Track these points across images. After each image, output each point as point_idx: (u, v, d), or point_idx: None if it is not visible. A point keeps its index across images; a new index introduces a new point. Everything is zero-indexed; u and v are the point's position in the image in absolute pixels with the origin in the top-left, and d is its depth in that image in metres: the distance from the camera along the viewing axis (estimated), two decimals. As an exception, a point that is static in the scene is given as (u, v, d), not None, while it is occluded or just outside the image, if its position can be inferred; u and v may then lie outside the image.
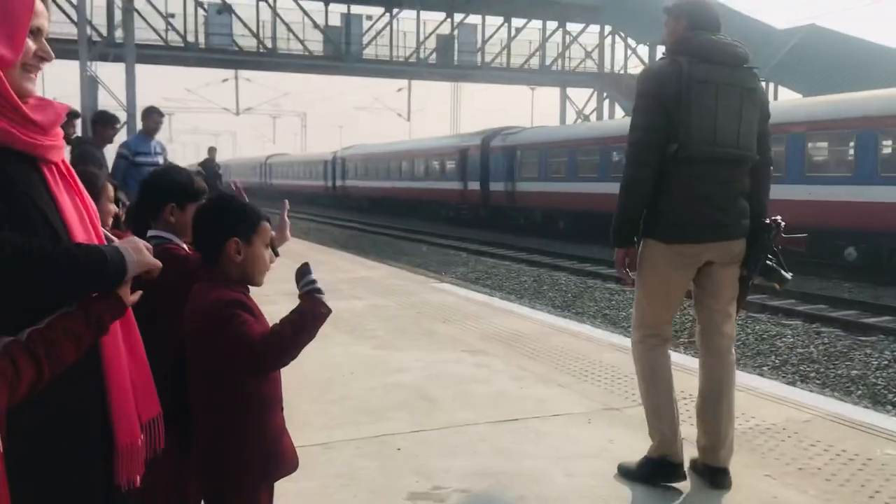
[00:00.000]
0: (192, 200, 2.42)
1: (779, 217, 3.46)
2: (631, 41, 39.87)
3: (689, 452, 3.49)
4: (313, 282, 2.04)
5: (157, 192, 2.51)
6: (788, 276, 3.46)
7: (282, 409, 2.16)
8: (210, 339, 1.97)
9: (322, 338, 6.17)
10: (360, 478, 3.43)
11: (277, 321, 2.00)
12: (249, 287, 2.13)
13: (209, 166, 16.43)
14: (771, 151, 3.52)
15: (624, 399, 4.57)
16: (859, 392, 7.72)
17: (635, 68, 39.15)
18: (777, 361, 9.12)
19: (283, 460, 2.12)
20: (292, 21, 33.91)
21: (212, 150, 17.51)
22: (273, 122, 77.50)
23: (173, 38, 31.86)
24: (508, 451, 3.75)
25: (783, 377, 8.17)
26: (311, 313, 2.00)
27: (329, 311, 2.04)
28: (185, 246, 2.43)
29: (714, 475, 3.35)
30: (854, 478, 3.42)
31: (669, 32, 3.44)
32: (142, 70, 25.35)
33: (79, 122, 6.43)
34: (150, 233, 2.47)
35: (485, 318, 7.12)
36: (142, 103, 8.18)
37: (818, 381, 8.10)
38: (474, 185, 30.61)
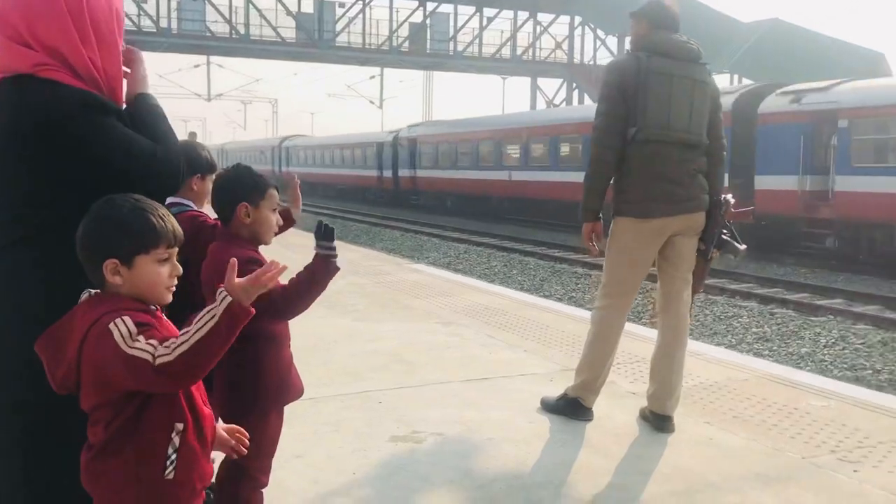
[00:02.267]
0: (212, 172, 2.82)
1: (729, 195, 3.94)
2: (600, 32, 40.47)
3: (640, 404, 3.99)
4: (332, 248, 2.39)
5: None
6: (742, 247, 3.94)
7: (289, 345, 2.56)
8: None
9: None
10: (347, 425, 3.85)
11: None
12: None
13: None
14: (724, 138, 3.98)
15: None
16: (808, 367, 8.25)
17: (604, 59, 39.73)
18: (733, 340, 9.65)
19: (291, 387, 2.54)
20: (265, 7, 34.02)
21: (192, 135, 17.92)
22: (244, 109, 77.12)
23: (146, 24, 31.81)
24: (478, 403, 4.19)
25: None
26: (323, 271, 2.37)
27: (338, 269, 2.40)
28: (206, 213, 2.82)
29: (660, 421, 3.82)
30: (780, 423, 3.91)
31: (634, 32, 3.94)
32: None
33: None
34: (169, 200, 2.86)
35: (457, 294, 7.55)
36: None
37: (771, 358, 8.61)
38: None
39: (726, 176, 4.06)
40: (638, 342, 5.30)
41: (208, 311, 1.60)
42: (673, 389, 3.84)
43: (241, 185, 2.49)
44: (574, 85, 40.08)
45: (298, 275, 2.38)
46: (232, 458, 2.19)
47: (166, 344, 1.58)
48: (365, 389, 4.41)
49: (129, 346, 1.57)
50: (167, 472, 1.69)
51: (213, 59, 44.35)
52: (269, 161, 52.91)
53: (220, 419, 2.62)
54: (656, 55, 3.72)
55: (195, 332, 1.58)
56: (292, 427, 3.77)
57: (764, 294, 12.29)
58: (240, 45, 34.22)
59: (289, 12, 34.67)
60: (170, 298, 1.77)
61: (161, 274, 1.72)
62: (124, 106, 2.01)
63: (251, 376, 2.43)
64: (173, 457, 1.69)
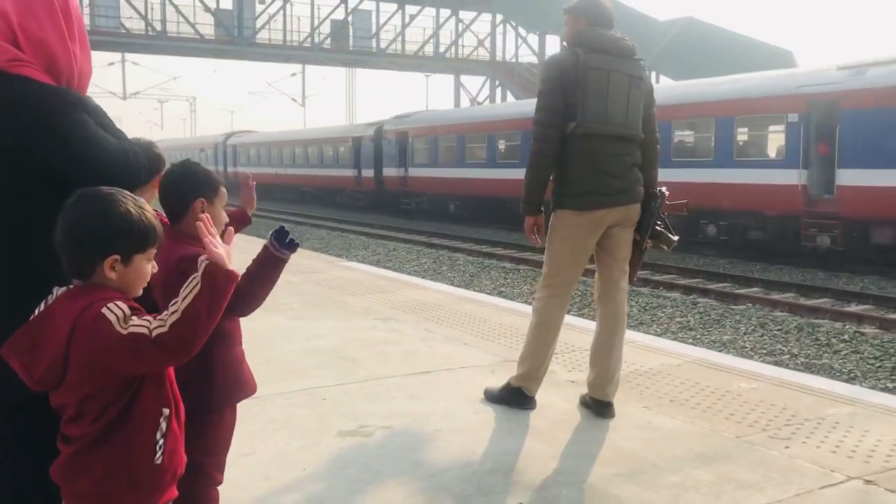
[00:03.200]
0: (157, 172, 2.77)
1: (664, 188, 4.08)
2: (521, 30, 40.96)
3: (580, 391, 4.11)
4: (287, 257, 2.37)
5: None
6: (675, 238, 4.10)
7: (241, 342, 2.55)
8: (178, 287, 2.33)
9: (236, 311, 6.26)
10: (294, 422, 3.84)
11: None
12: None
13: None
14: (657, 132, 4.12)
15: (523, 353, 5.12)
16: (731, 354, 8.57)
17: (526, 57, 40.30)
18: (658, 330, 9.93)
19: (244, 384, 2.53)
20: (182, 3, 33.23)
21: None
22: (161, 107, 75.19)
23: (56, 19, 30.66)
24: (423, 396, 4.24)
25: (664, 343, 8.96)
26: (271, 263, 2.37)
27: (287, 257, 2.40)
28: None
29: (601, 407, 3.94)
30: (714, 405, 4.08)
31: (570, 29, 4.02)
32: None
33: None
34: None
35: (393, 291, 7.58)
36: None
37: (694, 346, 8.90)
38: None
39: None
40: (574, 332, 5.43)
41: (191, 280, 1.65)
42: (612, 376, 3.96)
43: (195, 182, 2.46)
44: (497, 82, 40.50)
45: (247, 271, 2.38)
46: None
47: (160, 318, 1.62)
48: (309, 386, 4.40)
49: (124, 328, 1.59)
50: (157, 457, 1.72)
51: (129, 56, 43.20)
52: (211, 161, 46.77)
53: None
54: (594, 51, 3.82)
55: (182, 301, 1.62)
56: (240, 425, 3.70)
57: (686, 284, 12.70)
58: (156, 41, 33.38)
59: (207, 8, 34.00)
60: (140, 293, 1.79)
61: (147, 270, 1.77)
62: None
63: (204, 374, 2.41)
64: (161, 441, 1.72)
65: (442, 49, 39.91)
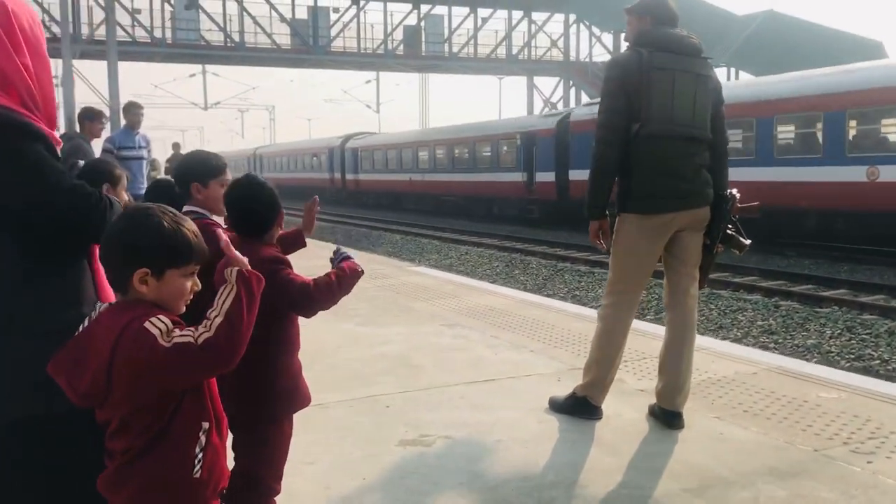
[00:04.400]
0: (213, 177, 2.81)
1: (734, 189, 3.92)
2: (595, 29, 40.46)
3: (649, 401, 3.98)
4: (344, 253, 2.52)
5: (181, 174, 2.91)
6: (747, 242, 3.93)
7: (298, 352, 2.56)
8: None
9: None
10: (356, 430, 3.83)
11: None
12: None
13: (174, 161, 17.16)
14: (727, 132, 3.97)
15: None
16: (815, 359, 8.23)
17: (600, 56, 39.80)
18: (739, 334, 9.61)
19: (302, 395, 2.55)
20: (259, 14, 33.98)
21: (176, 146, 18.13)
22: (241, 117, 77.15)
23: (140, 34, 31.83)
24: (486, 405, 4.17)
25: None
26: (350, 270, 2.46)
27: (363, 270, 2.51)
28: (219, 221, 2.82)
29: (669, 418, 3.80)
30: (790, 416, 3.89)
31: (633, 28, 3.92)
32: (106, 66, 25.38)
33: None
34: (186, 208, 2.87)
35: (460, 296, 7.53)
36: (130, 100, 8.49)
37: (776, 351, 8.58)
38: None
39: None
40: (644, 339, 5.28)
41: (225, 286, 1.70)
42: (682, 385, 3.82)
43: (278, 199, 2.58)
44: (571, 83, 40.10)
45: (329, 274, 2.43)
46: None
47: (203, 324, 1.64)
48: (373, 394, 4.39)
49: (168, 341, 1.61)
50: (195, 470, 1.72)
51: (209, 67, 44.44)
52: (325, 168, 43.16)
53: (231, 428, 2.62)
54: (658, 51, 3.70)
55: (222, 304, 1.67)
56: (302, 434, 3.75)
57: (768, 287, 12.26)
58: (235, 53, 34.21)
59: (283, 19, 34.67)
60: (183, 310, 1.79)
61: (185, 288, 1.76)
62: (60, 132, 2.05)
63: (267, 382, 2.43)
64: (200, 455, 1.73)
65: (514, 51, 39.74)
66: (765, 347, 8.78)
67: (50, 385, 1.70)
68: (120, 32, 31.07)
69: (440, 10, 38.02)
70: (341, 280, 2.42)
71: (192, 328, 1.64)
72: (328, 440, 3.70)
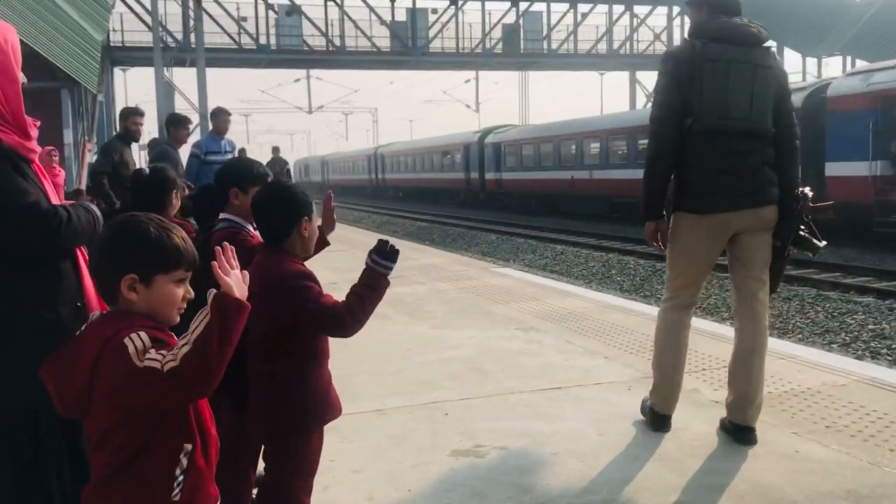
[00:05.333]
0: (253, 184, 2.79)
1: (806, 188, 3.63)
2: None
3: (722, 413, 3.73)
4: (389, 269, 2.36)
5: (220, 178, 2.91)
6: (821, 244, 3.64)
7: (328, 364, 2.51)
8: (282, 304, 2.31)
9: (382, 318, 6.62)
10: (410, 438, 3.75)
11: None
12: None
13: (274, 165, 17.94)
14: (795, 126, 3.68)
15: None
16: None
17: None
18: (847, 338, 9.04)
19: (332, 406, 2.48)
20: (359, 18, 34.53)
21: (276, 150, 18.69)
22: (345, 119, 78.77)
23: (246, 41, 32.86)
24: (548, 414, 4.02)
25: (852, 353, 8.12)
26: (377, 284, 2.35)
27: (389, 283, 2.37)
28: (252, 230, 2.80)
29: (740, 432, 3.55)
30: (879, 434, 3.56)
31: (693, 21, 3.71)
32: (218, 73, 26.55)
33: (142, 119, 6.90)
34: (222, 215, 2.87)
35: (540, 298, 7.36)
36: (219, 105, 8.65)
37: (889, 358, 8.02)
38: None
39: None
40: (724, 344, 4.98)
41: (201, 311, 1.60)
42: (753, 398, 3.56)
43: (298, 200, 2.47)
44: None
45: (355, 291, 2.34)
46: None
47: (172, 351, 1.57)
48: (434, 400, 4.31)
49: (141, 360, 1.55)
50: (174, 493, 1.66)
51: (313, 72, 45.48)
52: (459, 167, 37.86)
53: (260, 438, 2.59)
54: (713, 41, 3.48)
55: (192, 332, 1.57)
56: (356, 440, 3.74)
57: (882, 288, 11.49)
58: (336, 57, 34.88)
59: (382, 21, 35.11)
60: (178, 320, 1.75)
61: (176, 295, 1.71)
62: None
63: (295, 394, 2.39)
64: (181, 478, 1.67)
65: (616, 45, 38.91)
66: (876, 354, 8.22)
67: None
68: (227, 40, 32.27)
69: (539, 6, 37.63)
70: (368, 299, 2.32)
71: (164, 352, 1.57)
72: (380, 447, 3.64)
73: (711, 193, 3.51)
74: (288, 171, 18.48)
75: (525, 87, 60.07)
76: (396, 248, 2.39)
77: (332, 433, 3.84)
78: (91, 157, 18.27)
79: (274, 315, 2.32)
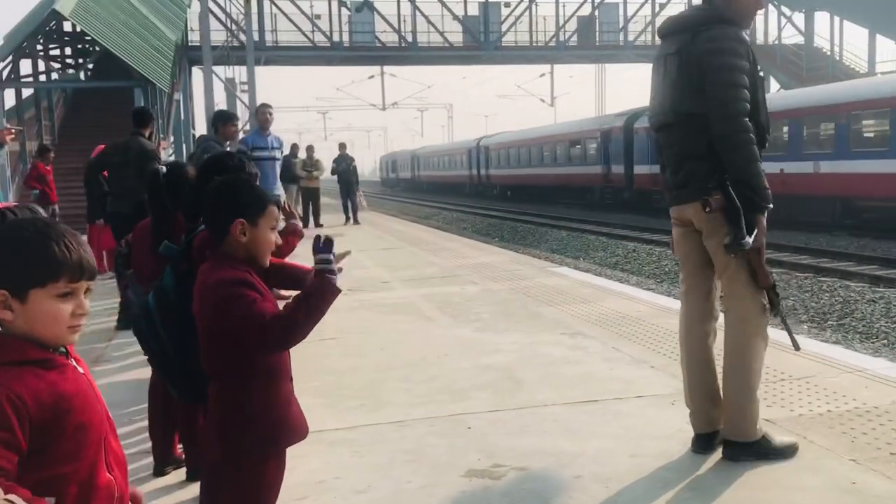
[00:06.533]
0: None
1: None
2: (785, 9, 37.57)
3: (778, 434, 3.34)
4: (328, 261, 2.06)
5: (200, 174, 2.76)
6: (747, 241, 3.13)
7: (290, 379, 2.23)
8: (218, 315, 2.08)
9: (427, 320, 6.34)
10: (426, 454, 3.50)
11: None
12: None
13: (341, 161, 17.96)
14: (718, 108, 3.12)
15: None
16: None
17: (790, 39, 36.97)
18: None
19: (289, 429, 2.19)
20: (431, 13, 34.39)
21: (342, 146, 18.79)
22: (421, 115, 78.97)
23: (320, 39, 33.13)
24: (578, 431, 3.71)
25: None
26: (320, 294, 2.02)
27: (338, 290, 2.06)
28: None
29: (724, 448, 3.32)
30: (951, 465, 3.13)
31: None
32: (294, 71, 26.83)
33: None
34: None
35: (594, 301, 7.00)
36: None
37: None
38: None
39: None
40: (785, 355, 4.54)
41: None
42: (740, 408, 3.27)
43: (237, 199, 2.19)
44: (759, 67, 37.44)
45: (294, 301, 2.05)
46: None
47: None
48: (459, 412, 4.05)
49: None
50: None
51: (386, 68, 45.54)
52: (594, 160, 31.23)
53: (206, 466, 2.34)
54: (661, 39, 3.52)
55: None
56: (367, 455, 3.51)
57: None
58: (408, 53, 34.84)
59: (455, 17, 34.90)
60: (73, 339, 1.50)
61: (61, 311, 1.45)
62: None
63: (243, 418, 2.13)
64: None
65: (695, 36, 37.69)
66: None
67: None
68: (301, 38, 32.59)
69: (615, -3, 36.82)
70: (308, 312, 2.01)
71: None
72: (392, 464, 3.40)
73: (663, 189, 3.57)
74: (354, 167, 18.41)
75: (602, 80, 58.87)
76: (331, 237, 2.07)
77: (346, 446, 3.63)
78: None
79: (215, 328, 2.09)
